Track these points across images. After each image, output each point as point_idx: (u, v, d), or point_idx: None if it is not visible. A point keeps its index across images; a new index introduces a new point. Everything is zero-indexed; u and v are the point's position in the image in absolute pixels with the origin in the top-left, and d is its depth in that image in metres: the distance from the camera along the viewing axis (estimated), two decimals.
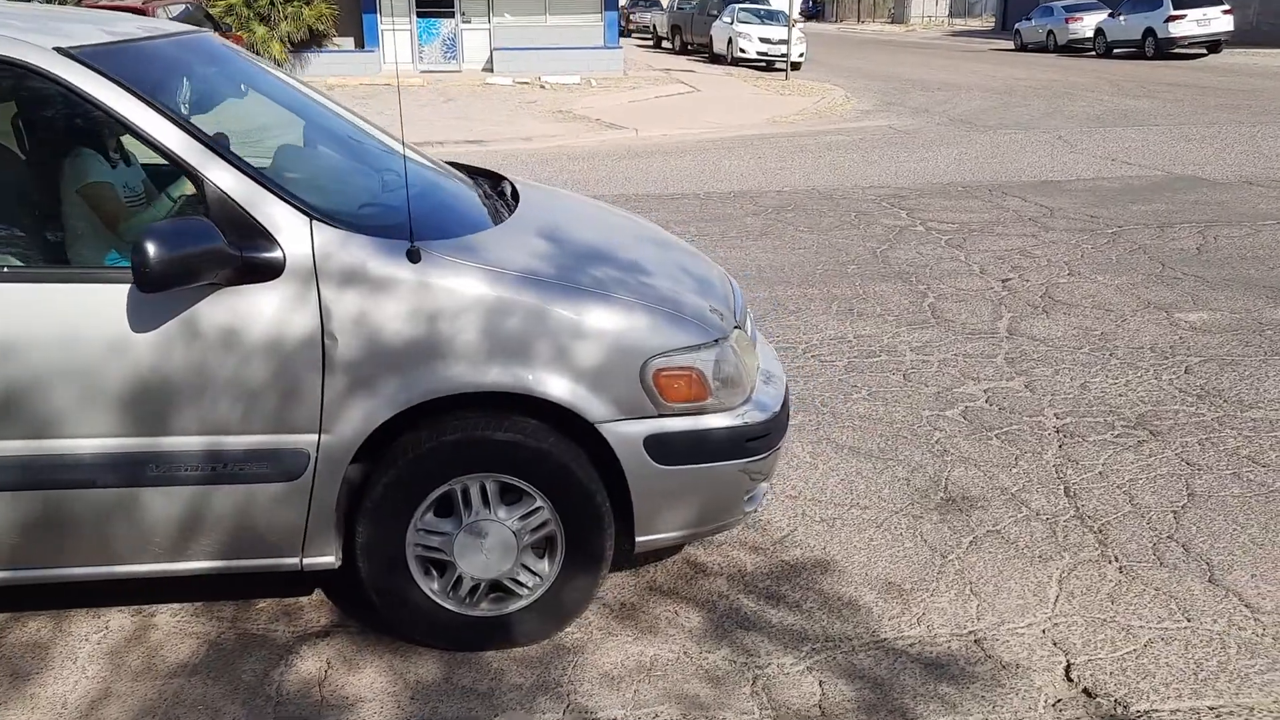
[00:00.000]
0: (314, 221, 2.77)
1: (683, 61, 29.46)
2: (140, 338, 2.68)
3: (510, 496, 2.96)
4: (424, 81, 22.51)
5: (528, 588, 3.04)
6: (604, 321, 2.89)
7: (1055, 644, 3.07)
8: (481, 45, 25.09)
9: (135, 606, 3.27)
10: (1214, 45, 28.44)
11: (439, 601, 3.01)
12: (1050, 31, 33.51)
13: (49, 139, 3.21)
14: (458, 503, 2.94)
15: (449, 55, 25.10)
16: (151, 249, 2.48)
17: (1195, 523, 3.74)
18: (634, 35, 43.30)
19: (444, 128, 15.26)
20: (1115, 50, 29.93)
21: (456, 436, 2.87)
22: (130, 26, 3.21)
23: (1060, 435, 4.49)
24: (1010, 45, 36.33)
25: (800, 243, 8.12)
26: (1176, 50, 28.17)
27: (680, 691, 2.89)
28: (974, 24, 55.75)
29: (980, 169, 11.50)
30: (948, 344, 5.68)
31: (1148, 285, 6.76)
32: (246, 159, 3.17)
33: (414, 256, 2.79)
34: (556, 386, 2.85)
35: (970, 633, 3.14)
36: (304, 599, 3.32)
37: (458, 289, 2.81)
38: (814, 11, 67.80)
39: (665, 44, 36.42)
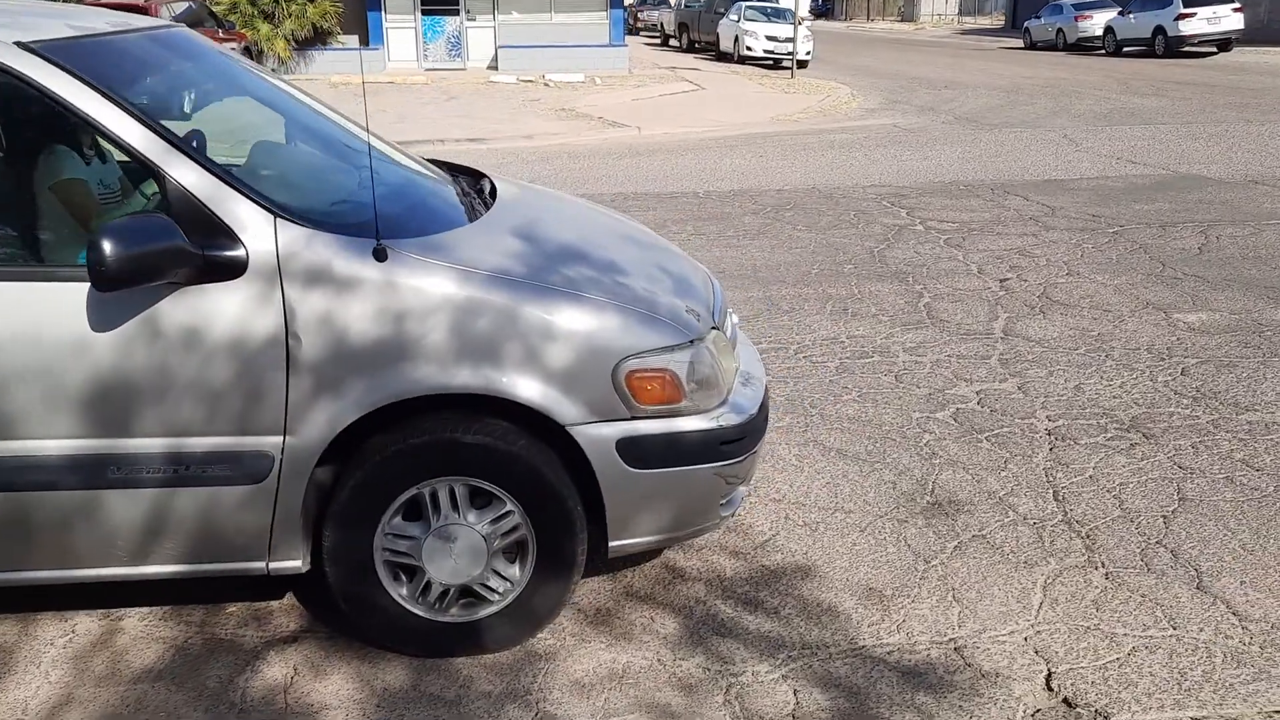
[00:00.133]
0: (278, 219, 2.71)
1: (689, 59, 29.39)
2: (100, 337, 2.64)
3: (480, 500, 2.91)
4: (428, 79, 22.49)
5: (498, 593, 2.98)
6: (575, 322, 2.84)
7: (1037, 652, 3.01)
8: (486, 43, 25.06)
9: (104, 610, 3.23)
10: (1224, 43, 28.29)
11: (408, 607, 2.96)
12: (1059, 30, 33.39)
13: (13, 135, 3.16)
14: (426, 506, 2.88)
15: (453, 53, 25.08)
16: (108, 247, 2.43)
17: (1185, 528, 3.67)
18: (642, 33, 43.27)
19: (445, 125, 15.22)
20: (1125, 48, 29.78)
21: (424, 439, 2.82)
22: (100, 22, 3.16)
23: (1051, 438, 4.42)
24: (1019, 43, 36.22)
25: (797, 242, 8.05)
26: (1186, 48, 28.01)
27: (651, 700, 2.84)
28: (984, 22, 55.54)
29: (983, 168, 11.42)
30: (941, 345, 5.61)
31: (1147, 285, 6.67)
32: (220, 156, 3.12)
33: (380, 255, 2.74)
34: (526, 388, 2.79)
35: (950, 640, 3.08)
36: (275, 603, 3.28)
37: (425, 288, 2.75)
38: (823, 9, 67.71)
39: (672, 42, 36.35)
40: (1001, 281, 6.82)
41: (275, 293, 2.68)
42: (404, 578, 2.96)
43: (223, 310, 2.67)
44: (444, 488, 2.87)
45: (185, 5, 19.05)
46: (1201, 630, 3.10)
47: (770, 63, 26.36)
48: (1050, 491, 3.95)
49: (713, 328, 3.16)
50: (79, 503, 2.74)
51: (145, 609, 3.23)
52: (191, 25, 18.70)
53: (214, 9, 20.85)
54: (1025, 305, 6.29)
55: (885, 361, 5.37)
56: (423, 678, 2.93)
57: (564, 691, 2.88)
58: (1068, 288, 6.66)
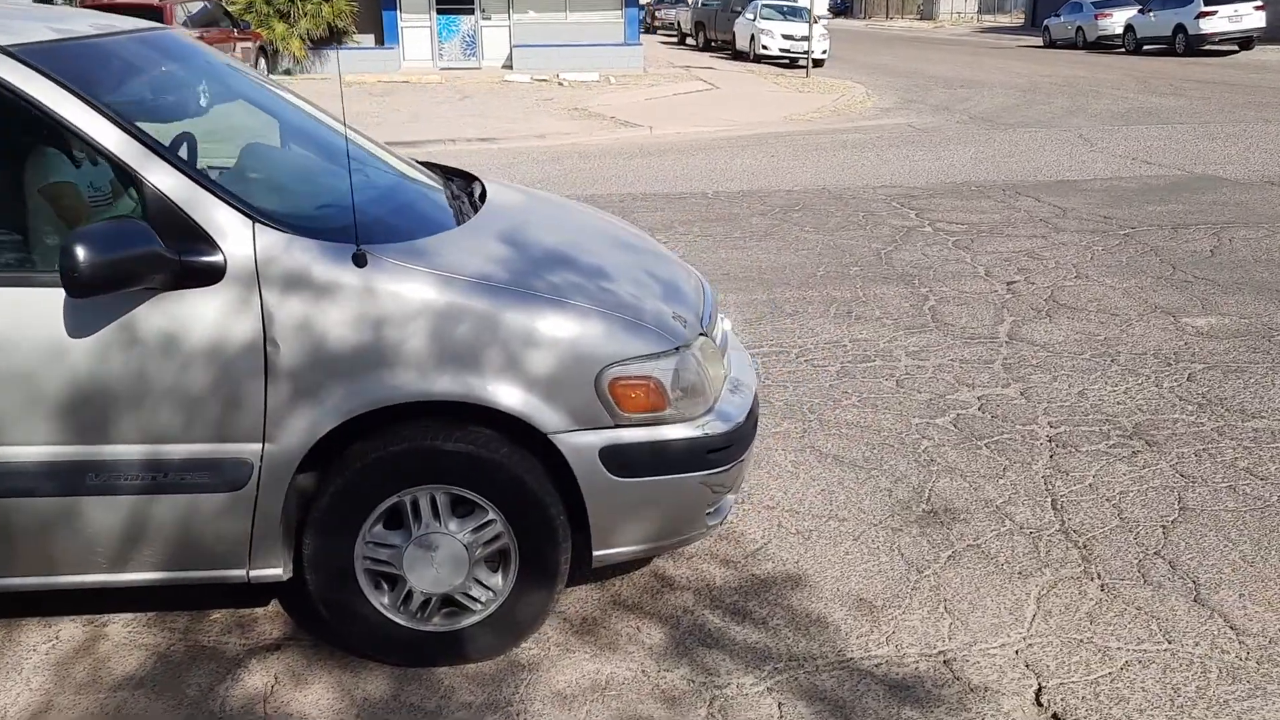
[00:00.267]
0: (257, 224, 2.69)
1: (705, 58, 29.31)
2: (77, 343, 2.62)
3: (462, 509, 2.88)
4: (442, 78, 22.52)
5: (481, 602, 2.95)
6: (558, 329, 2.80)
7: (1028, 665, 2.96)
8: (501, 42, 25.08)
9: (89, 616, 3.21)
10: (1246, 42, 28.00)
11: (389, 616, 2.92)
12: (1079, 28, 33.17)
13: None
14: (407, 515, 2.85)
15: (468, 52, 25.10)
16: (81, 253, 2.41)
17: (1185, 538, 3.60)
18: (659, 32, 43.21)
19: (458, 125, 15.22)
20: (1145, 47, 29.56)
21: (405, 446, 2.79)
22: (83, 25, 3.14)
23: (1052, 445, 4.36)
24: (1039, 42, 35.98)
25: (804, 243, 8.00)
26: (1207, 47, 27.76)
27: (633, 713, 2.80)
28: (1003, 20, 55.24)
29: (996, 168, 11.32)
30: (945, 349, 5.54)
31: (1156, 288, 6.59)
32: (209, 159, 3.09)
33: (359, 261, 2.71)
34: (508, 396, 2.76)
35: (940, 653, 3.02)
36: (259, 610, 3.25)
37: (404, 294, 2.72)
38: (842, 8, 67.45)
39: (689, 41, 36.29)
40: (1008, 284, 6.75)
41: (253, 298, 2.66)
42: (385, 586, 2.93)
43: (200, 316, 2.64)
44: (425, 496, 2.84)
45: (201, 5, 19.13)
46: (1197, 644, 3.04)
47: (786, 62, 26.27)
48: (1049, 500, 3.89)
49: (700, 334, 3.12)
50: (57, 509, 2.73)
51: (130, 615, 3.22)
52: (207, 25, 18.78)
53: (229, 8, 20.93)
54: (1031, 309, 6.21)
55: (887, 366, 5.31)
56: (404, 687, 2.91)
57: (545, 703, 2.84)
58: (1075, 291, 6.58)
